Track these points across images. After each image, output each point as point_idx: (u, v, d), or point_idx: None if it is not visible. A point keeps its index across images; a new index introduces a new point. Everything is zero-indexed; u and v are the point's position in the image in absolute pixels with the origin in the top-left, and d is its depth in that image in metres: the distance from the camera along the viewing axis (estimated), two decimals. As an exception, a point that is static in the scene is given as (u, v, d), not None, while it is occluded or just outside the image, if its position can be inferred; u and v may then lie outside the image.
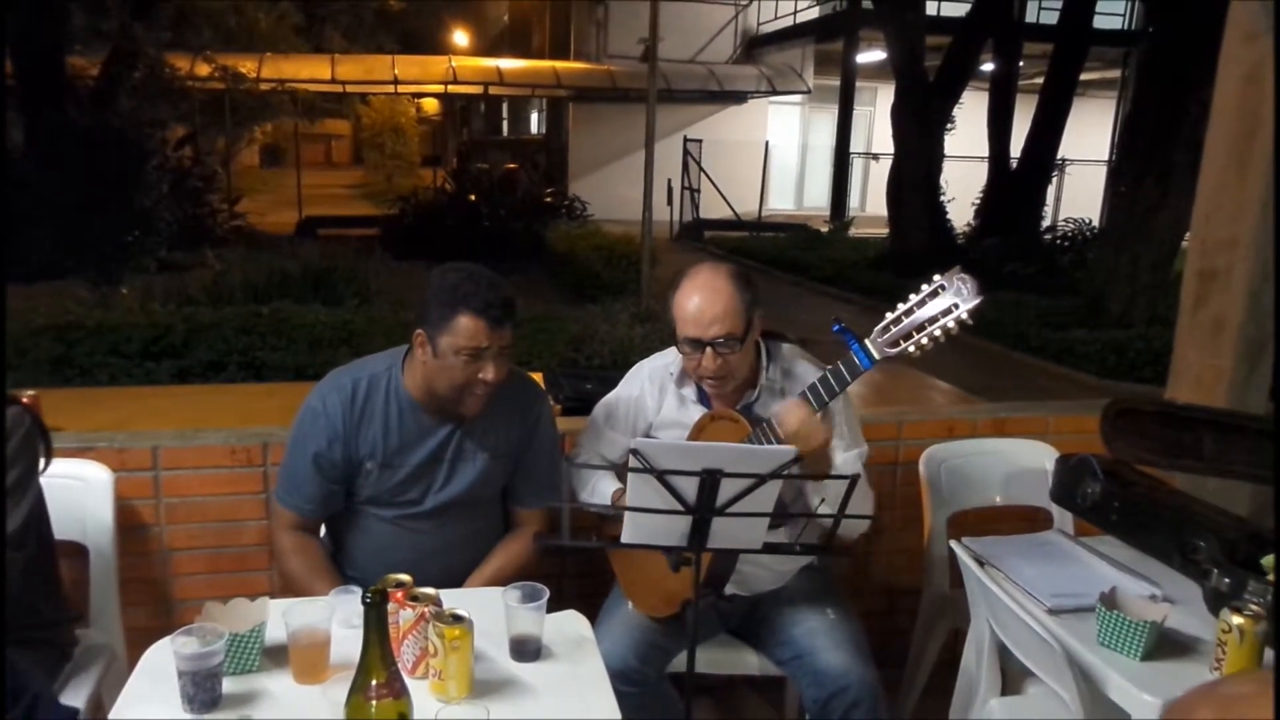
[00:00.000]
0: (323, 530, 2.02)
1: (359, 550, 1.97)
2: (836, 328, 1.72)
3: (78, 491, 2.05)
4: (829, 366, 1.78)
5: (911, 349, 1.67)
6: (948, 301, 1.65)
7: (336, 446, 1.86)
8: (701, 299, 1.84)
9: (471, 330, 1.75)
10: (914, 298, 1.68)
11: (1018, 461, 2.48)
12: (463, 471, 1.93)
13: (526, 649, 1.54)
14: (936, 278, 1.67)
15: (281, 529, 1.93)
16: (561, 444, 2.10)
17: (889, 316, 1.70)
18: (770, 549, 1.67)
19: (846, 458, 1.91)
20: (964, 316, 1.63)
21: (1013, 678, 1.96)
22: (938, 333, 1.65)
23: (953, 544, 1.97)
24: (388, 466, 1.89)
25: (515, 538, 2.00)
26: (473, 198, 12.81)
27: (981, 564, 1.91)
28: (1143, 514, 1.99)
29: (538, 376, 3.64)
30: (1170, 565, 1.90)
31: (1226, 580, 1.72)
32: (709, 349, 1.84)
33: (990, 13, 11.52)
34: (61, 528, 1.91)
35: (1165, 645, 1.64)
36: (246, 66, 13.44)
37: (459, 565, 1.94)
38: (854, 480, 1.56)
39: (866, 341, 1.71)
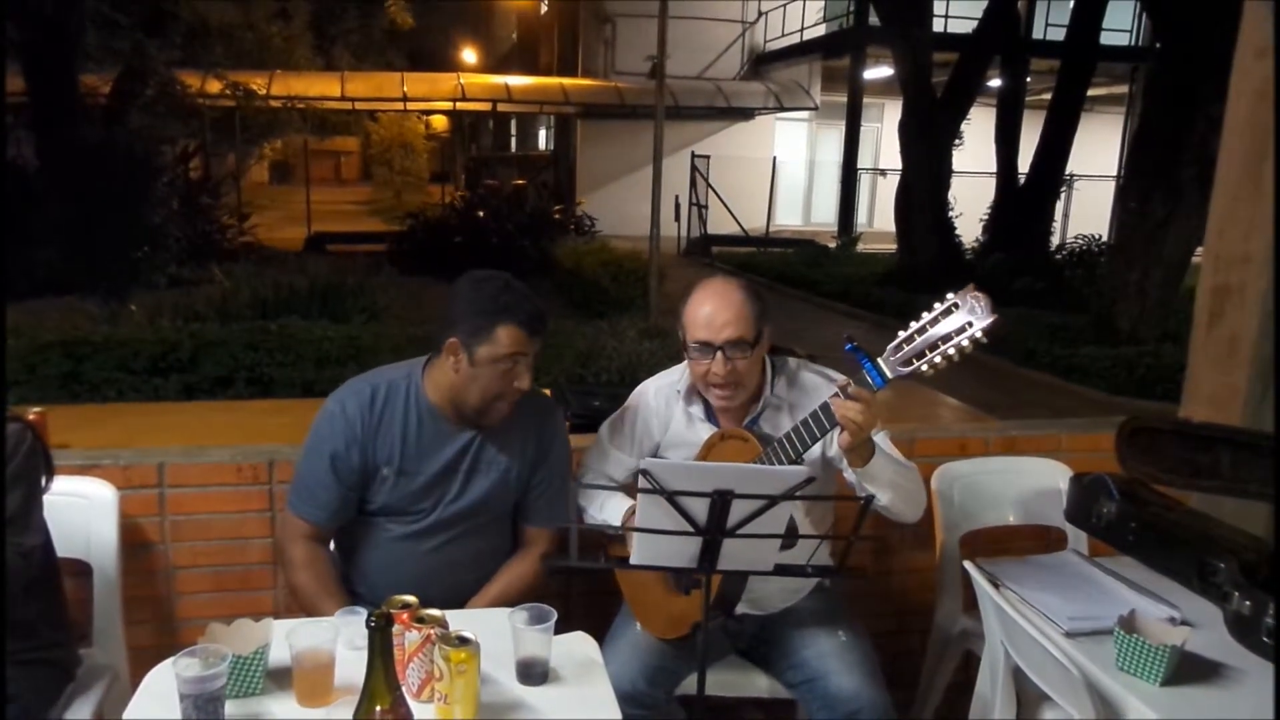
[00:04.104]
0: (331, 545, 2.00)
1: (368, 565, 1.95)
2: (849, 346, 1.69)
3: (82, 509, 2.04)
4: (838, 380, 1.75)
5: (924, 368, 1.64)
6: (961, 320, 1.61)
7: (354, 450, 1.85)
8: (714, 304, 1.85)
9: (514, 340, 1.79)
10: (927, 316, 1.64)
11: (1031, 480, 2.45)
12: (476, 483, 1.92)
13: (534, 672, 1.52)
14: (950, 296, 1.63)
15: (292, 539, 1.90)
16: (572, 462, 2.08)
17: (901, 335, 1.66)
18: (781, 571, 1.64)
19: (879, 440, 1.86)
20: (979, 335, 1.60)
21: (1028, 701, 1.92)
22: (951, 352, 1.61)
23: (967, 565, 1.93)
24: (404, 474, 1.88)
25: (521, 558, 1.98)
26: (481, 214, 12.84)
27: (996, 585, 1.88)
28: (1160, 535, 1.96)
29: (545, 393, 3.62)
30: (1189, 587, 1.87)
31: (1247, 603, 1.69)
32: (719, 353, 1.83)
33: (998, 29, 11.57)
34: (65, 545, 1.90)
35: (1185, 670, 1.60)
36: (257, 83, 13.52)
37: (466, 584, 1.93)
38: (869, 500, 1.52)
39: (879, 360, 1.68)
